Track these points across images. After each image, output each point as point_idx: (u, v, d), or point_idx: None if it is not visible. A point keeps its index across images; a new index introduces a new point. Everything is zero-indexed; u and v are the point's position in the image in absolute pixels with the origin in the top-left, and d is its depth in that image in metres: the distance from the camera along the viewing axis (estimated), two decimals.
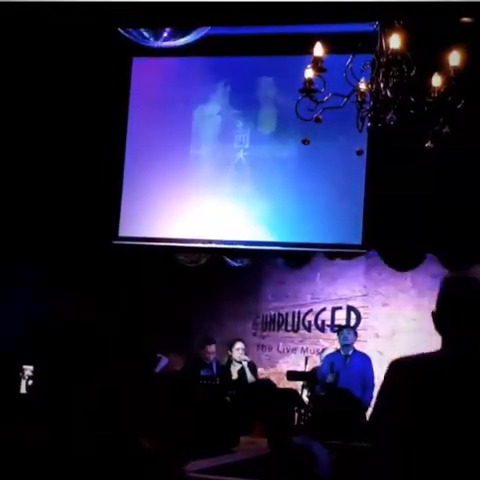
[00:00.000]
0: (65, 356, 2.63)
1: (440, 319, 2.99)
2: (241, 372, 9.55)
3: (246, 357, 9.65)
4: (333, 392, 8.37)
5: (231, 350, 9.67)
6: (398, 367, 2.90)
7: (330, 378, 8.64)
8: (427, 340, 11.37)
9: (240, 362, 9.58)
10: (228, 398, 8.24)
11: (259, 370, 10.00)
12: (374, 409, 3.05)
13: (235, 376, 9.53)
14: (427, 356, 2.94)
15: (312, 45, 5.74)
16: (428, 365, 2.87)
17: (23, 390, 7.36)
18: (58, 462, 2.51)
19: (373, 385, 8.79)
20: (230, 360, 9.67)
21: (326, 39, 5.80)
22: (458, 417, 2.71)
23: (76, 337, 2.64)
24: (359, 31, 6.03)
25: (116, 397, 2.79)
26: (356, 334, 9.34)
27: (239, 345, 9.64)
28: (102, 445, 2.58)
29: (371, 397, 8.49)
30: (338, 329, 9.58)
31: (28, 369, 7.21)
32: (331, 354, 9.20)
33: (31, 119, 9.81)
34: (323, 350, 9.79)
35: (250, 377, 9.48)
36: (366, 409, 8.05)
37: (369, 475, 3.76)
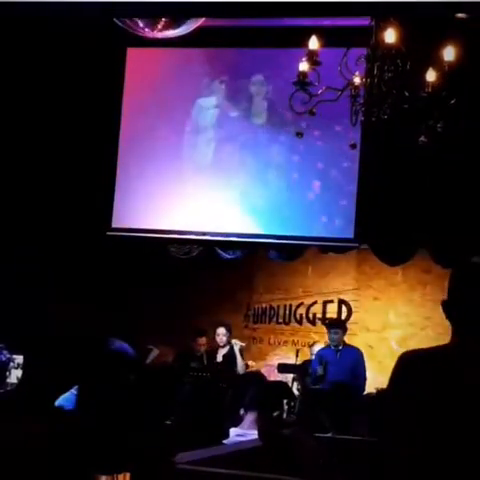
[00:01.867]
0: (56, 347, 2.64)
1: (454, 307, 2.86)
2: (228, 355, 9.54)
3: (237, 341, 9.59)
4: (324, 385, 8.39)
5: (214, 336, 9.67)
6: (409, 361, 2.84)
7: (320, 371, 8.66)
8: (418, 334, 11.39)
9: (224, 346, 9.57)
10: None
11: (249, 363, 10.00)
12: (384, 407, 3.00)
13: (220, 359, 9.52)
14: (439, 349, 2.86)
15: (307, 38, 5.74)
16: (441, 359, 2.80)
17: (14, 380, 7.37)
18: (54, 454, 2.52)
19: (365, 378, 8.81)
20: (215, 346, 9.66)
21: (321, 32, 5.80)
22: (474, 414, 2.66)
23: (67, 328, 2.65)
24: (354, 25, 6.02)
25: (105, 390, 2.79)
26: (345, 330, 9.25)
27: (220, 330, 9.62)
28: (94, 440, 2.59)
29: (363, 390, 8.51)
30: (326, 326, 9.53)
31: (18, 358, 7.22)
32: (322, 349, 9.21)
33: (24, 111, 9.78)
34: (314, 343, 9.82)
35: (240, 361, 9.45)
36: (357, 402, 8.06)
37: (361, 468, 3.77)
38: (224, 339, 9.56)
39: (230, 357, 9.52)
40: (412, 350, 2.82)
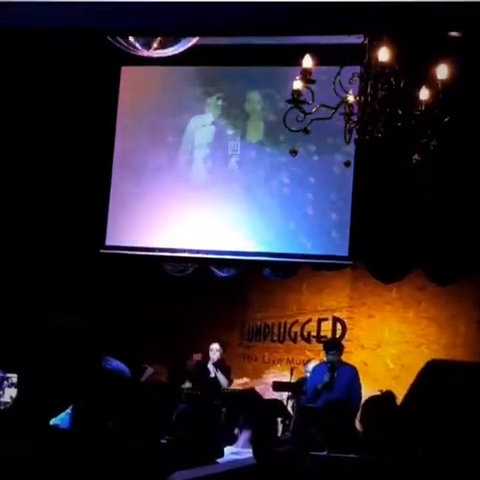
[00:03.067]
0: (49, 364, 2.63)
1: None
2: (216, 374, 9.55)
3: (214, 358, 9.59)
4: (322, 399, 8.35)
5: (207, 352, 9.65)
6: (435, 370, 2.76)
7: (326, 378, 8.62)
8: (412, 351, 11.36)
9: (215, 363, 9.56)
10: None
11: (244, 380, 9.98)
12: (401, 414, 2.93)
13: (213, 375, 9.51)
14: (470, 366, 2.79)
15: (301, 56, 5.76)
16: (469, 376, 2.73)
17: (7, 399, 7.33)
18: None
19: (360, 397, 8.78)
20: (206, 362, 9.63)
21: (316, 51, 5.82)
22: None
23: (60, 346, 2.64)
24: (348, 43, 6.05)
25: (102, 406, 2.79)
26: (341, 350, 9.21)
27: (214, 346, 9.60)
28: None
29: (357, 409, 8.48)
30: (324, 347, 9.48)
31: (12, 377, 7.19)
32: (318, 366, 9.18)
33: (20, 127, 9.78)
34: (308, 361, 9.79)
35: (221, 378, 9.43)
36: (354, 421, 8.03)
37: None
38: (218, 354, 9.55)
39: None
40: (442, 360, 2.75)
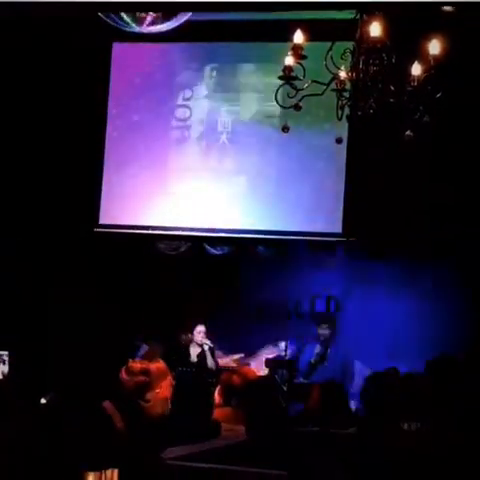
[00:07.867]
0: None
1: None
2: (201, 356, 9.54)
3: (208, 341, 9.59)
4: (314, 376, 8.39)
5: (192, 333, 9.64)
6: None
7: (317, 350, 8.66)
8: (405, 327, 11.28)
9: (201, 345, 9.56)
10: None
11: (238, 356, 10.02)
12: None
13: (194, 359, 9.53)
14: None
15: (293, 32, 5.72)
16: None
17: None
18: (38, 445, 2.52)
19: (353, 373, 8.82)
20: (189, 342, 9.65)
21: (307, 26, 5.77)
22: None
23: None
24: (340, 18, 6.00)
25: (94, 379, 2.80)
26: (334, 325, 9.26)
27: (200, 328, 9.61)
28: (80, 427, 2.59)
29: (351, 385, 8.54)
30: (316, 321, 9.53)
31: (3, 354, 7.19)
32: (311, 342, 9.23)
33: (9, 107, 9.74)
34: (302, 338, 9.83)
35: (210, 361, 9.46)
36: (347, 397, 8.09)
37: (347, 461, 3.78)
38: (204, 337, 9.58)
39: (204, 359, 9.53)
40: None
